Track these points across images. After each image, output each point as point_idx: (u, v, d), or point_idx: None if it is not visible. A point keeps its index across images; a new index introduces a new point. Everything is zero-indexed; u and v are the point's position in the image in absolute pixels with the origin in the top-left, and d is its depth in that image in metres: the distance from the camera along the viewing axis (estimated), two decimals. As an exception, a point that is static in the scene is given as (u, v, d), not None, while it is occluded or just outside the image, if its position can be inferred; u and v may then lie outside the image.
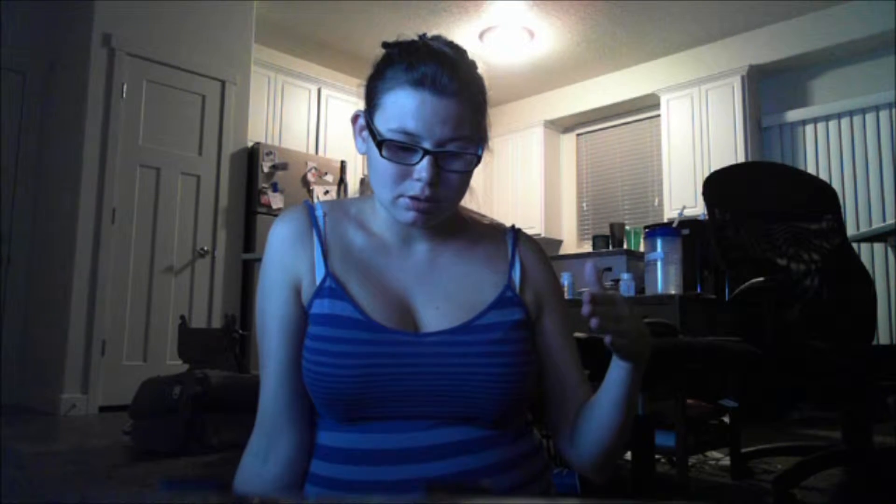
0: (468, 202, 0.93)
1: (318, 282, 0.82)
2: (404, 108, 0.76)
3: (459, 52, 0.81)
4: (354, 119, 0.86)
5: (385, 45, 0.81)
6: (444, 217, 0.83)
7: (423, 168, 0.76)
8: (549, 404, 0.88)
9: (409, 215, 0.79)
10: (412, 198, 0.78)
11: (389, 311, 0.80)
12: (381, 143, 0.78)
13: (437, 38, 0.81)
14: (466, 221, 0.92)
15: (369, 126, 0.80)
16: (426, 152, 0.76)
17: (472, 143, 0.79)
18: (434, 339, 0.79)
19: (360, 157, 5.48)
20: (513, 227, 0.94)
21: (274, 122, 5.16)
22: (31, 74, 4.40)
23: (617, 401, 0.79)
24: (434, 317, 0.81)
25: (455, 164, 0.78)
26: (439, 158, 0.77)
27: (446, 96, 0.76)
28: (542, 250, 0.94)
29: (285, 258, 0.83)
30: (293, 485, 0.81)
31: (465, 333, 0.80)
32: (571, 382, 0.87)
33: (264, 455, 0.81)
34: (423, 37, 0.81)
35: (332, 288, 0.81)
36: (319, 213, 0.87)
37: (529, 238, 0.94)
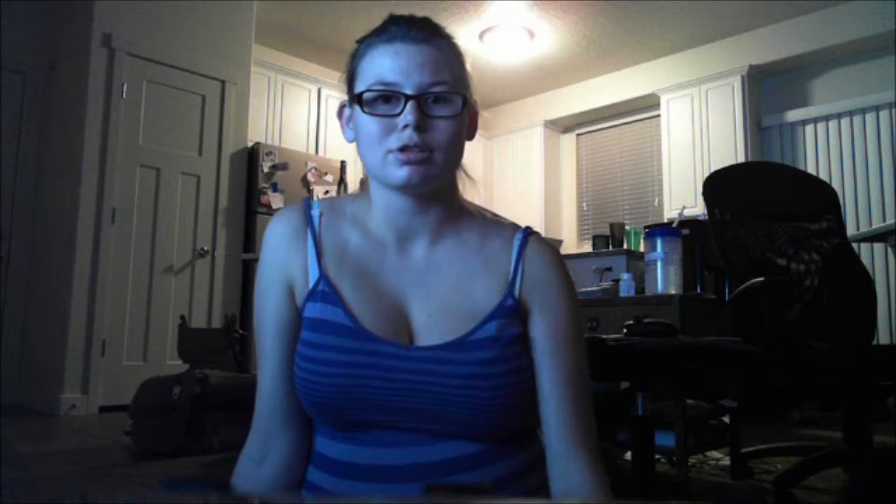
0: (470, 194, 0.88)
1: (311, 284, 0.79)
2: (380, 64, 0.75)
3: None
4: (340, 112, 0.84)
5: (358, 40, 0.82)
6: (440, 175, 0.77)
7: (407, 113, 0.73)
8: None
9: (402, 171, 0.74)
10: (401, 149, 0.74)
11: (382, 318, 0.77)
12: (360, 96, 0.75)
13: None
14: (472, 217, 0.86)
15: (350, 96, 0.79)
16: (407, 98, 0.73)
17: (455, 87, 0.76)
18: (423, 353, 0.75)
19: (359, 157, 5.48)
20: (526, 228, 0.86)
21: (274, 122, 5.16)
22: (31, 74, 4.40)
23: None
24: (426, 325, 0.78)
25: (441, 110, 0.75)
26: (422, 104, 0.74)
27: (419, 43, 0.75)
28: (556, 256, 0.85)
29: (279, 258, 0.82)
30: (289, 488, 0.79)
31: (457, 350, 0.75)
32: (546, 395, 0.79)
33: (259, 458, 0.80)
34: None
35: (325, 292, 0.78)
36: (315, 212, 0.84)
37: (543, 242, 0.85)
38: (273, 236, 0.83)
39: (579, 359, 0.81)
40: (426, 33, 0.76)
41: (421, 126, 0.73)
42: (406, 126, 0.73)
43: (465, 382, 0.74)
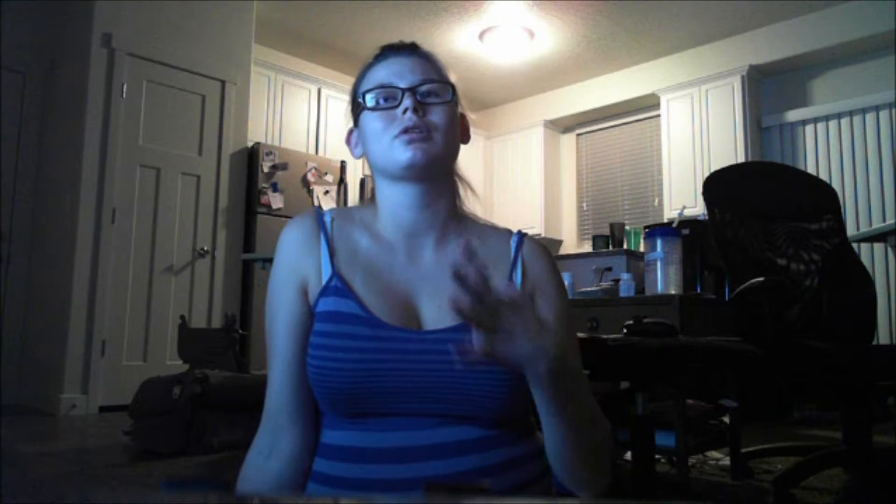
0: (472, 204, 0.95)
1: (324, 281, 0.84)
2: (378, 74, 0.88)
3: None
4: (348, 137, 0.94)
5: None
6: (440, 155, 0.85)
7: (405, 100, 0.85)
8: None
9: (407, 150, 0.83)
10: (403, 131, 0.84)
11: (393, 308, 0.82)
12: (364, 95, 0.87)
13: None
14: (473, 224, 0.94)
15: (354, 112, 0.90)
16: (404, 90, 0.85)
17: (444, 83, 0.88)
18: (435, 336, 0.81)
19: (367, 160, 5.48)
20: (519, 231, 0.96)
21: (274, 122, 5.16)
22: (31, 74, 4.40)
23: (546, 425, 0.78)
24: (436, 314, 0.83)
25: (434, 98, 0.87)
26: (418, 94, 0.86)
27: (410, 55, 0.89)
28: (548, 254, 0.94)
29: (293, 260, 0.87)
30: (295, 481, 0.82)
31: (466, 331, 0.79)
32: None
33: (268, 451, 0.84)
34: None
35: (338, 287, 0.83)
36: (328, 218, 0.90)
37: (536, 242, 0.94)
38: (287, 240, 0.88)
39: (574, 338, 0.93)
40: (414, 48, 0.91)
41: (418, 110, 0.84)
42: (406, 111, 0.84)
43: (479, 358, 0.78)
